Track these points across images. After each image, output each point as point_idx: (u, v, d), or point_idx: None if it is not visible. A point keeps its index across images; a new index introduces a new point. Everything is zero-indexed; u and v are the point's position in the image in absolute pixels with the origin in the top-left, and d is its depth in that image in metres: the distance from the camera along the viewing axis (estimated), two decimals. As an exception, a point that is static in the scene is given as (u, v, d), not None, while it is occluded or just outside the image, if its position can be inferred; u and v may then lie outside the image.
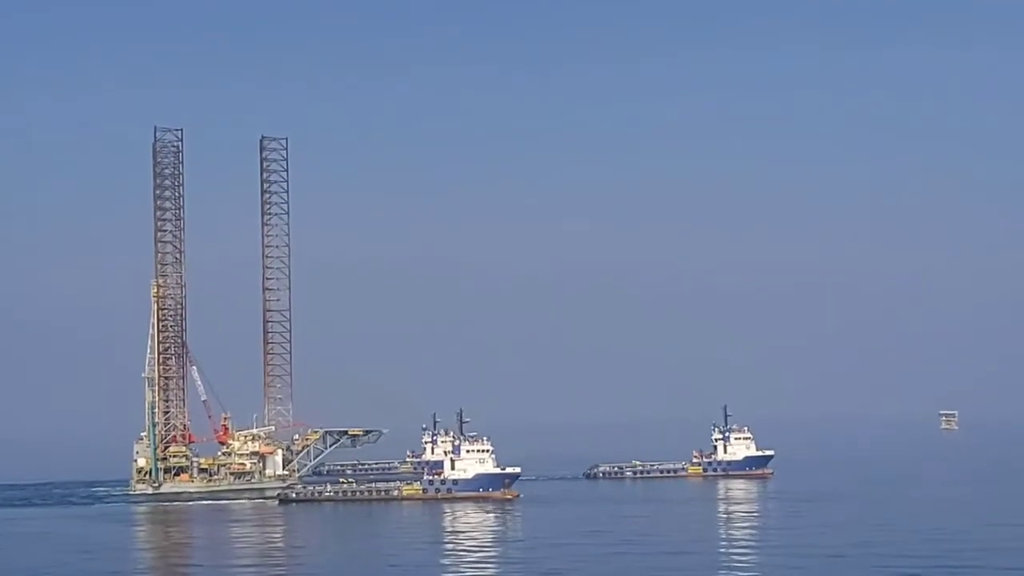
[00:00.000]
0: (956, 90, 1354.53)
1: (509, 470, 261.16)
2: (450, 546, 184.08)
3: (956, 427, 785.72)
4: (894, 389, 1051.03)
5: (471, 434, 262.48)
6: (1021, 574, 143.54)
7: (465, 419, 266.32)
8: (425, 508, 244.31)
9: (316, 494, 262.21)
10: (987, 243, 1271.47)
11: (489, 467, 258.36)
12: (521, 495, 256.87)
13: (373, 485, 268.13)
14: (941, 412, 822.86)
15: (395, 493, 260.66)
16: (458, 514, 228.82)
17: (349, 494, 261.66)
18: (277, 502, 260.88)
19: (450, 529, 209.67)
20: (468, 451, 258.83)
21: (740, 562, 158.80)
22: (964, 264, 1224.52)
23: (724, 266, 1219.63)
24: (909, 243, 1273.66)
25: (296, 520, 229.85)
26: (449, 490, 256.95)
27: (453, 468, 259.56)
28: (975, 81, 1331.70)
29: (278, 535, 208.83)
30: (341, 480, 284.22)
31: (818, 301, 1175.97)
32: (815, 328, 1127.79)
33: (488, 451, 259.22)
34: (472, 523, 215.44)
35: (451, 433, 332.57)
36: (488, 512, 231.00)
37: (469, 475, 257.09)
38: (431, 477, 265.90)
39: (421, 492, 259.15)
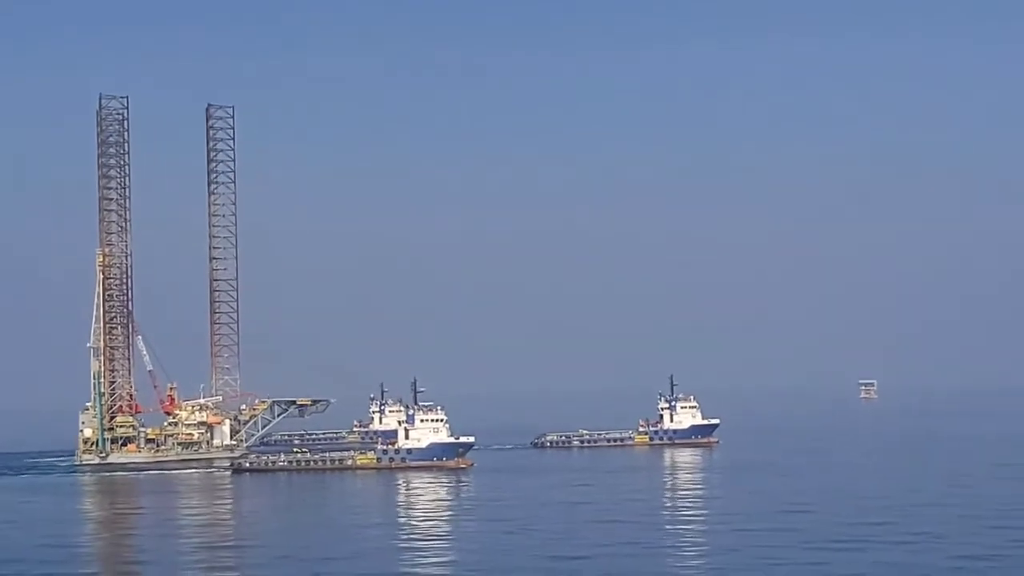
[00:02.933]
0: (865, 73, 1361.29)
1: (463, 439, 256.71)
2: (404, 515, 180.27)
3: (875, 396, 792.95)
4: (813, 358, 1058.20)
5: (425, 404, 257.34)
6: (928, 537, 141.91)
7: (420, 388, 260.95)
8: (379, 477, 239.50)
9: (269, 464, 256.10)
10: (908, 216, 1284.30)
11: (443, 436, 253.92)
12: (475, 464, 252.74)
13: (327, 455, 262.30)
14: (860, 381, 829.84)
15: (349, 462, 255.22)
16: (413, 483, 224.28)
17: (303, 464, 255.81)
18: (230, 472, 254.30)
19: (405, 498, 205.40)
20: (422, 420, 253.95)
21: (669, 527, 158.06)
22: (888, 238, 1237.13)
23: (670, 242, 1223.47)
24: (833, 217, 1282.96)
25: (251, 490, 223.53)
26: (403, 459, 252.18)
27: (407, 437, 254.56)
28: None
29: (240, 505, 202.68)
30: (295, 450, 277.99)
31: (744, 275, 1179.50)
32: (738, 301, 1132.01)
33: (442, 420, 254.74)
34: (427, 492, 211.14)
35: (399, 403, 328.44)
36: (442, 481, 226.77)
37: (423, 444, 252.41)
38: (385, 446, 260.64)
39: (375, 461, 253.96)
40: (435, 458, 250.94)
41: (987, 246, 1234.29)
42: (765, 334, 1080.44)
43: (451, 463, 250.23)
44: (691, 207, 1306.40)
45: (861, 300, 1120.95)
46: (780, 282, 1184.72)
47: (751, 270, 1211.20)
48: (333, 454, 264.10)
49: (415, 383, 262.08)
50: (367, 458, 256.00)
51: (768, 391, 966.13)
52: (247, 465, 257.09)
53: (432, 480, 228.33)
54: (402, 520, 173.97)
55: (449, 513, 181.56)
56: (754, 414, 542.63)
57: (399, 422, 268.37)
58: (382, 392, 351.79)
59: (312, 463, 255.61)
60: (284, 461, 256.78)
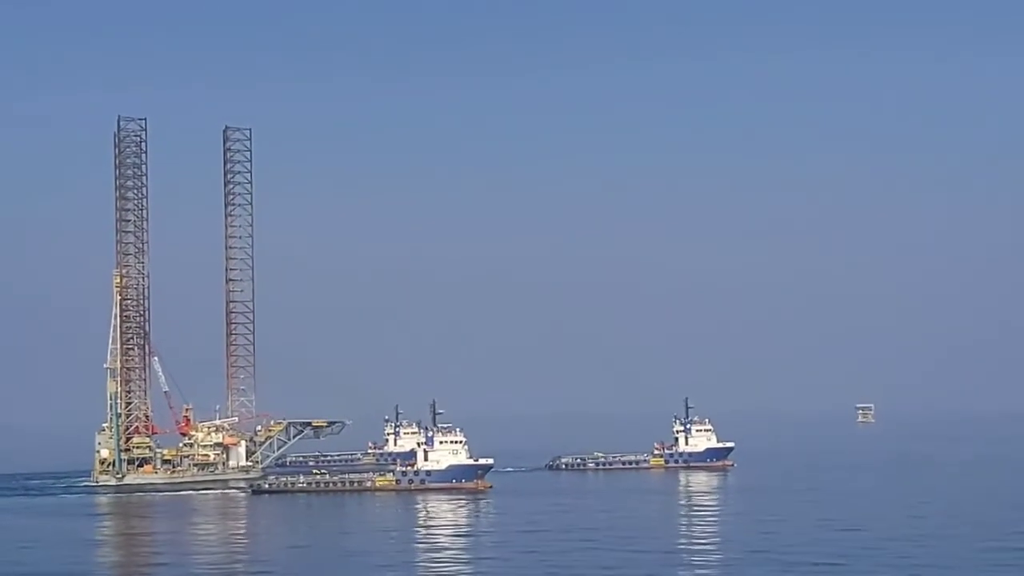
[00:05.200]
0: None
1: (482, 461, 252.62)
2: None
3: (872, 420, 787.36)
4: (810, 382, 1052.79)
5: (444, 425, 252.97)
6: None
7: (438, 410, 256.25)
8: (400, 499, 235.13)
9: (289, 485, 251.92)
10: (907, 241, 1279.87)
11: (462, 458, 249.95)
12: (493, 486, 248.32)
13: (346, 476, 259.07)
14: (858, 405, 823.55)
15: (368, 484, 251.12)
16: (434, 505, 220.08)
17: (322, 485, 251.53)
18: (249, 493, 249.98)
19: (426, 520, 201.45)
20: (441, 442, 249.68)
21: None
22: (888, 264, 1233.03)
23: (681, 266, 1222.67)
24: (836, 242, 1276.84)
25: (273, 512, 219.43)
26: (422, 481, 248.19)
27: (426, 459, 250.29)
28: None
29: (265, 527, 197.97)
30: (314, 471, 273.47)
31: (746, 298, 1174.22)
32: (740, 326, 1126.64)
33: (461, 442, 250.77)
34: (449, 514, 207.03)
35: (414, 424, 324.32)
36: (462, 503, 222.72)
37: (442, 466, 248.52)
38: (404, 468, 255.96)
39: (394, 483, 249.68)
40: (454, 480, 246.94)
41: (992, 267, 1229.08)
42: (766, 358, 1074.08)
43: (470, 485, 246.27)
44: (704, 232, 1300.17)
45: (859, 325, 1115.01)
46: (781, 308, 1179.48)
47: (756, 297, 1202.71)
48: (352, 476, 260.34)
49: (434, 405, 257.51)
50: (386, 480, 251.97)
51: (765, 415, 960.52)
52: (266, 487, 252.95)
53: (453, 502, 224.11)
54: (426, 542, 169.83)
55: (472, 536, 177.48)
56: (757, 438, 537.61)
57: (418, 443, 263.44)
58: (397, 414, 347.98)
59: (331, 485, 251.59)
60: (303, 483, 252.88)
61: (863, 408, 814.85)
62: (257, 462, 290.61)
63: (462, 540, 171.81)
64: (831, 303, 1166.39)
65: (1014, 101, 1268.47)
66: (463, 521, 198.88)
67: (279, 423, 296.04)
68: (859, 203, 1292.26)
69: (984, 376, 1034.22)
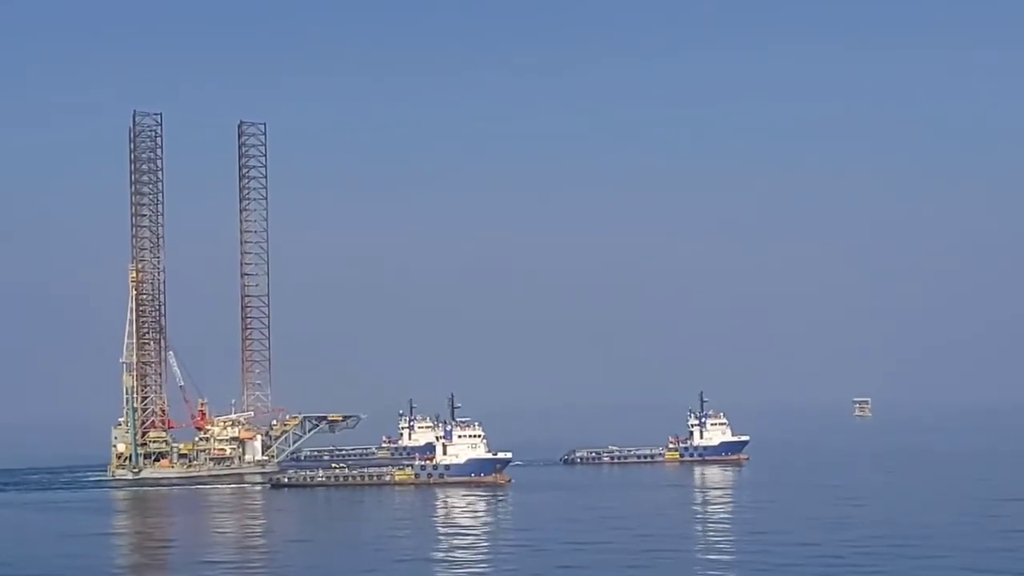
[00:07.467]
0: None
1: (500, 455, 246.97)
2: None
3: (869, 414, 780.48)
4: (806, 376, 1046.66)
5: (463, 419, 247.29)
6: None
7: (456, 404, 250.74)
8: (418, 493, 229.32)
9: (308, 479, 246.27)
10: (904, 237, 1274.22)
11: (481, 452, 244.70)
12: (513, 480, 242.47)
13: (365, 470, 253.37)
14: (855, 399, 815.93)
15: (387, 478, 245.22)
16: (455, 499, 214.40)
17: (341, 479, 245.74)
18: (268, 487, 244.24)
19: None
20: (460, 436, 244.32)
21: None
22: (891, 260, 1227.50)
23: (689, 260, 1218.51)
24: (833, 239, 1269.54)
25: (294, 506, 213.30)
26: (441, 475, 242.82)
27: (445, 453, 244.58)
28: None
29: (293, 522, 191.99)
30: (332, 465, 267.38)
31: (744, 293, 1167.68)
32: (747, 320, 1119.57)
33: (480, 436, 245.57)
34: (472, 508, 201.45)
35: (428, 418, 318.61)
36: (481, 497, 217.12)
37: (461, 460, 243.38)
38: (423, 462, 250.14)
39: (413, 477, 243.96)
40: (473, 474, 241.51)
41: (987, 261, 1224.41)
42: (763, 352, 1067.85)
43: (489, 479, 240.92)
44: (703, 230, 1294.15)
45: (854, 319, 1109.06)
46: (776, 303, 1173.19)
47: (753, 292, 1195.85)
48: (371, 470, 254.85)
49: (452, 399, 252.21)
50: (405, 474, 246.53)
51: (762, 408, 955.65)
52: (285, 480, 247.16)
53: (473, 496, 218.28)
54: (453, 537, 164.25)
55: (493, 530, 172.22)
56: (762, 432, 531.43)
57: (437, 437, 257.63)
58: (411, 408, 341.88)
59: (350, 479, 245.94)
60: (322, 477, 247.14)
61: (860, 402, 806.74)
62: (273, 456, 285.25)
63: (486, 534, 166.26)
64: (826, 297, 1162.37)
65: (1011, 100, 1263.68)
66: (484, 515, 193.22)
67: (295, 417, 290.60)
68: (853, 199, 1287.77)
69: (978, 370, 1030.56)
